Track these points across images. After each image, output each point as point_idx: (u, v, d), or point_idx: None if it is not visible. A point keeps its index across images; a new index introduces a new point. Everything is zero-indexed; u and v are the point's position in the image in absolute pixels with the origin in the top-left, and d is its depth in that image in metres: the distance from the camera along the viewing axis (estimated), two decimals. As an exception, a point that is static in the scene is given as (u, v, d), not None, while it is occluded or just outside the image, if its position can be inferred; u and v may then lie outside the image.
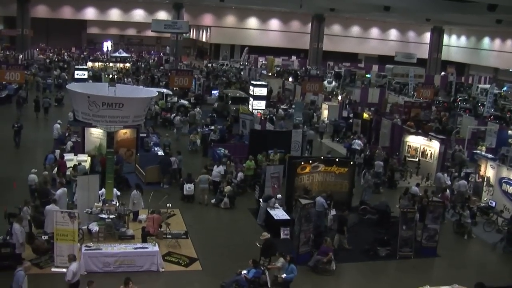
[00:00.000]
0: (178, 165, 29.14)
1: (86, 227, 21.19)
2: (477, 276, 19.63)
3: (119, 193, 23.46)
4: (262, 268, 18.18)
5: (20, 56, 73.19)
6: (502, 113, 55.47)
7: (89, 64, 71.17)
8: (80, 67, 63.19)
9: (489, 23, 68.79)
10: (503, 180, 27.52)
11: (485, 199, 28.48)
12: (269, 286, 17.94)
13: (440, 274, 21.20)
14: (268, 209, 24.20)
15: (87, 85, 29.93)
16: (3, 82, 47.70)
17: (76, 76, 56.33)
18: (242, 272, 17.89)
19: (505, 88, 77.31)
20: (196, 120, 41.87)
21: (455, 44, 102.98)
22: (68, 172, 26.00)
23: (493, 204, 27.35)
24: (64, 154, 28.33)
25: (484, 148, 37.86)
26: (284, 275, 17.85)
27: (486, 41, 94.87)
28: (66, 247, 18.47)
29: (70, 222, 18.47)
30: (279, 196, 25.15)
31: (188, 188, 26.66)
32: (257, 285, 17.84)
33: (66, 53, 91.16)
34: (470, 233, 25.04)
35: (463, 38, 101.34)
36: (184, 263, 20.02)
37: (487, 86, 67.49)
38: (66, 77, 60.47)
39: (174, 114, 43.13)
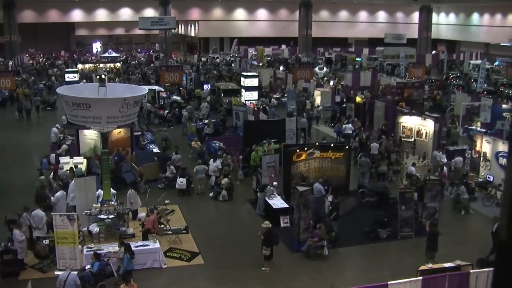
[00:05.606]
0: (177, 163, 29.02)
1: (86, 228, 21.21)
2: (478, 251, 19.71)
3: (115, 193, 23.43)
4: (105, 260, 18.05)
5: (10, 63, 72.93)
6: (495, 88, 55.50)
7: (79, 66, 70.88)
8: (70, 70, 62.92)
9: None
10: (500, 154, 27.56)
11: (482, 174, 28.54)
12: (115, 275, 17.78)
13: (441, 251, 21.20)
14: (266, 199, 24.22)
15: (76, 86, 29.79)
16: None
17: (66, 79, 56.08)
18: (86, 267, 17.68)
19: (496, 63, 77.36)
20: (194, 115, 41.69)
21: (444, 22, 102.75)
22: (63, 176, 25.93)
23: (491, 179, 27.39)
24: (59, 158, 28.31)
25: (479, 124, 37.87)
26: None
27: (475, 16, 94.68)
28: (68, 249, 18.52)
29: (69, 224, 18.49)
30: (275, 183, 25.16)
31: (180, 182, 26.68)
32: (103, 277, 17.61)
33: (56, 57, 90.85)
34: (467, 208, 25.12)
35: (452, 16, 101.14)
36: (186, 258, 20.05)
37: (479, 61, 67.48)
38: (56, 81, 60.20)
39: (167, 111, 43.08)
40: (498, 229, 19.27)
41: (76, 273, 16.54)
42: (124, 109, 20.33)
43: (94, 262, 17.76)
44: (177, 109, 43.45)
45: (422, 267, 15.96)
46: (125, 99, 20.38)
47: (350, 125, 35.94)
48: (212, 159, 28.53)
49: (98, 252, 18.33)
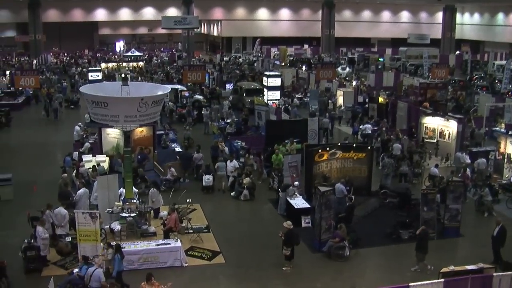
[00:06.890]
0: (199, 162, 29.03)
1: (108, 226, 21.34)
2: (502, 253, 19.48)
3: (137, 191, 23.52)
4: (94, 263, 17.47)
5: (35, 62, 73.65)
6: (521, 88, 54.80)
7: (103, 65, 71.32)
8: (93, 68, 63.28)
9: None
10: (525, 156, 27.28)
11: (506, 176, 28.24)
12: (104, 278, 17.23)
13: (464, 253, 21.11)
14: (288, 199, 24.15)
15: (99, 85, 29.94)
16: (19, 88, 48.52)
17: (90, 78, 56.41)
18: (74, 271, 17.16)
19: (521, 63, 76.42)
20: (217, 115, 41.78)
21: (468, 22, 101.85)
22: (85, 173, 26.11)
23: (515, 181, 27.13)
24: (82, 156, 28.50)
25: (503, 125, 37.45)
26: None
27: (500, 16, 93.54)
28: (90, 247, 18.63)
29: (91, 222, 18.62)
30: (296, 183, 25.10)
31: (207, 179, 26.79)
32: None
33: (79, 55, 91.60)
34: (490, 210, 24.83)
35: (476, 15, 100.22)
36: (207, 257, 20.09)
37: (504, 62, 66.73)
38: (80, 80, 60.57)
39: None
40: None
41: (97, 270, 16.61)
42: (142, 108, 20.30)
43: (82, 266, 17.35)
44: (197, 108, 43.55)
45: (444, 269, 15.84)
46: (143, 99, 20.39)
47: (369, 125, 35.76)
48: (229, 160, 28.43)
49: (86, 255, 18.00)
